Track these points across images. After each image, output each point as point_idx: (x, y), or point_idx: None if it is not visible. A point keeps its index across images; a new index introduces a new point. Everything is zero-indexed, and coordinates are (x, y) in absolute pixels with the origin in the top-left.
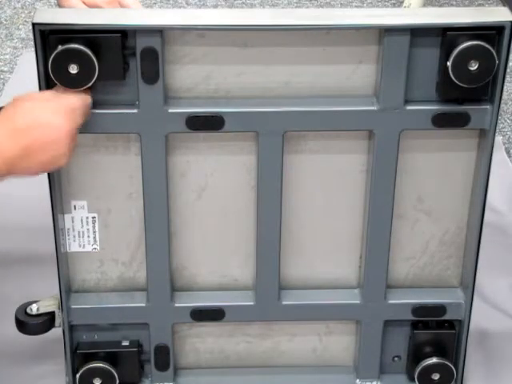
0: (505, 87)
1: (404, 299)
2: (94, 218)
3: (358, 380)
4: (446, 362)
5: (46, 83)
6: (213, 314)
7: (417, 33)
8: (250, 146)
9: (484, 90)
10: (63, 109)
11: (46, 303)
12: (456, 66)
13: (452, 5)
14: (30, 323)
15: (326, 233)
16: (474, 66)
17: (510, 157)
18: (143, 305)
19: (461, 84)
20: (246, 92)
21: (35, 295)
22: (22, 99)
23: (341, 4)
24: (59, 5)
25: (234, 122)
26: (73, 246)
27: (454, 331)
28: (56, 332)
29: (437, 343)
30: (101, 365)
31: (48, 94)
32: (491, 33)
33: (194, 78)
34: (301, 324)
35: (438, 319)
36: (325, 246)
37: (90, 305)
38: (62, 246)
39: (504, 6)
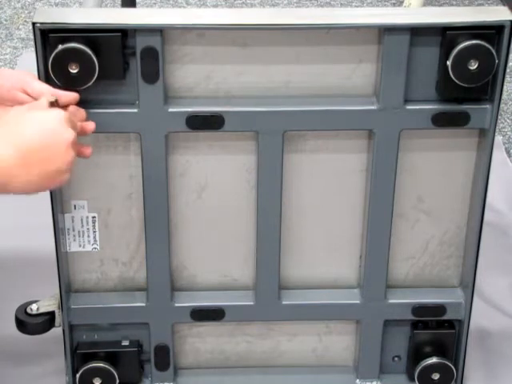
0: (505, 87)
1: (404, 299)
2: (93, 217)
3: (357, 380)
4: (446, 362)
5: (46, 83)
6: (213, 314)
7: (417, 32)
8: (250, 146)
9: (484, 89)
10: (65, 117)
11: (45, 303)
12: (456, 65)
13: (452, 4)
14: (30, 323)
15: (326, 233)
16: (473, 66)
17: (510, 157)
18: (143, 305)
19: (461, 83)
20: (246, 92)
21: (35, 295)
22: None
23: (341, 4)
24: None
25: (234, 121)
26: (73, 245)
27: (453, 331)
28: (56, 332)
29: (437, 343)
30: (101, 365)
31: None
32: (491, 32)
33: (194, 77)
34: (301, 324)
35: (437, 319)
36: (325, 245)
37: (90, 305)
38: (62, 246)
39: (504, 5)
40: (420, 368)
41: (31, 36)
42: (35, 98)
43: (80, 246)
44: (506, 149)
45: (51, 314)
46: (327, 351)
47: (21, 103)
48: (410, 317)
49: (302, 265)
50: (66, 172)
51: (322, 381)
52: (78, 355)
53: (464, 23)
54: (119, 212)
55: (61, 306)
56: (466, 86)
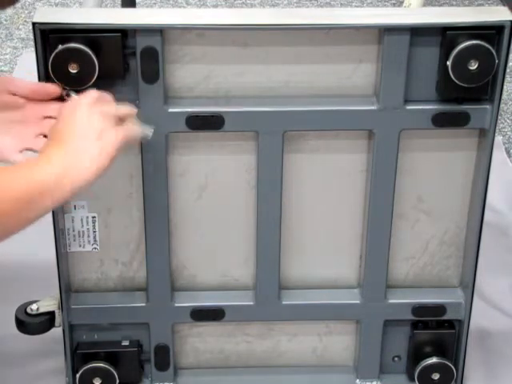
0: (505, 87)
1: (404, 299)
2: (94, 217)
3: (357, 380)
4: (446, 362)
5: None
6: (213, 314)
7: (417, 32)
8: (250, 146)
9: (484, 89)
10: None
11: (45, 303)
12: (456, 65)
13: (452, 4)
14: (30, 323)
15: (326, 233)
16: (473, 66)
17: (510, 157)
18: (143, 305)
19: (461, 83)
20: (246, 91)
21: (35, 295)
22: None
23: (341, 4)
24: None
25: (234, 121)
26: (73, 245)
27: (453, 331)
28: (56, 332)
29: (437, 343)
30: (101, 365)
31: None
32: (491, 32)
33: (194, 77)
34: (301, 324)
35: (437, 319)
36: (325, 245)
37: (89, 305)
38: (62, 246)
39: (504, 5)
40: (420, 368)
41: (31, 36)
42: (22, 96)
43: (80, 246)
44: (506, 149)
45: (51, 314)
46: (327, 351)
47: (7, 105)
48: (410, 317)
49: (302, 265)
50: (105, 131)
51: (322, 381)
52: (78, 355)
53: (464, 23)
54: (119, 212)
55: (61, 305)
56: (465, 86)
